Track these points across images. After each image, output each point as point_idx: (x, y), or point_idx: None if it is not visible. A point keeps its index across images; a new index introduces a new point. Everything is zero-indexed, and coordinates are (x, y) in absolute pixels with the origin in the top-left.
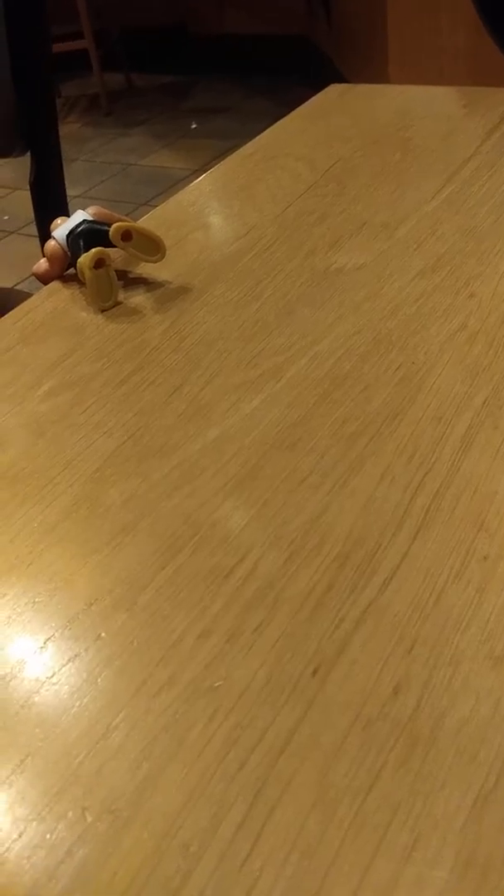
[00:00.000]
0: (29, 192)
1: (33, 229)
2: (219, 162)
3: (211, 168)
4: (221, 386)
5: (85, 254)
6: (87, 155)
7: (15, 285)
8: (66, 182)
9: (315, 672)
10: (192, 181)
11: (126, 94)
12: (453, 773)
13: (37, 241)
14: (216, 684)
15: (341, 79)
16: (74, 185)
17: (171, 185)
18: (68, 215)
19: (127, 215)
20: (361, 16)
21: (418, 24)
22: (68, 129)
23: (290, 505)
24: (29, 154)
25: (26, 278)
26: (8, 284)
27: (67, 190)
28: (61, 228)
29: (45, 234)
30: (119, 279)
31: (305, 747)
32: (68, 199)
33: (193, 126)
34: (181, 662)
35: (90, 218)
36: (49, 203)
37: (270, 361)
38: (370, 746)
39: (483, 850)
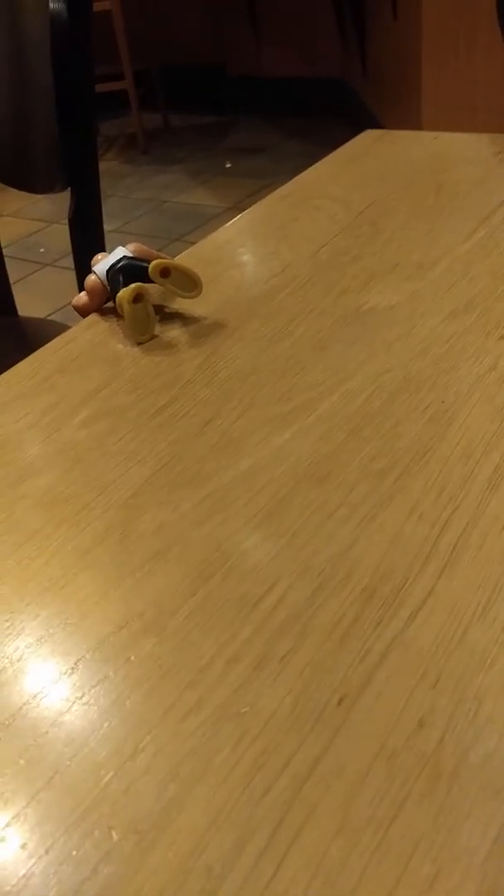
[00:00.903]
0: (64, 226)
1: (67, 262)
2: (252, 200)
3: (244, 206)
4: (253, 419)
5: (124, 288)
6: (124, 191)
7: (48, 315)
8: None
9: (341, 702)
10: (224, 218)
11: (163, 133)
12: (476, 806)
13: (71, 274)
14: (243, 710)
15: (375, 122)
16: (110, 220)
17: (205, 221)
18: (105, 250)
19: (160, 250)
20: (397, 61)
21: (453, 70)
22: (106, 166)
23: (318, 537)
24: (69, 190)
25: (59, 309)
26: (41, 314)
27: (104, 225)
28: (101, 263)
29: (82, 268)
30: (156, 314)
31: (330, 775)
32: (104, 233)
33: (228, 165)
34: (209, 687)
35: (130, 254)
36: (87, 238)
37: (302, 397)
38: (394, 777)
39: None
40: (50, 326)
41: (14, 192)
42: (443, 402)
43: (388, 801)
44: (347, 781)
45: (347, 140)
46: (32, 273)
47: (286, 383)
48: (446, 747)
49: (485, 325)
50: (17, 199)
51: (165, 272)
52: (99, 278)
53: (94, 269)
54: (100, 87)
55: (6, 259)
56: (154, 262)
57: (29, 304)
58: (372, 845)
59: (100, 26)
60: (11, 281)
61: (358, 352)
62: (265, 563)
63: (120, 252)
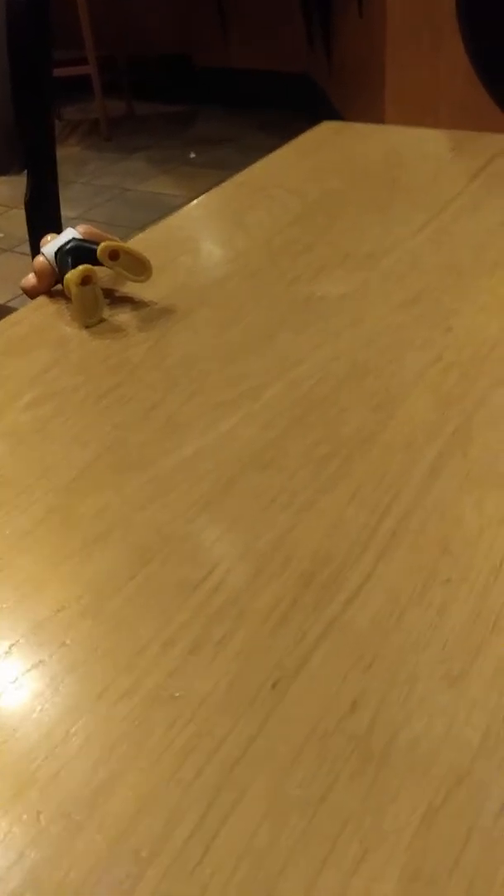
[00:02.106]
0: (23, 211)
1: (27, 248)
2: (212, 189)
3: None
4: (199, 405)
5: (72, 270)
6: (86, 178)
7: (7, 302)
8: (63, 203)
9: (275, 685)
10: (183, 207)
11: (127, 120)
12: (404, 788)
13: (30, 260)
14: (177, 694)
15: (338, 116)
16: (72, 207)
17: (168, 211)
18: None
19: (121, 239)
20: (361, 56)
21: (415, 67)
22: (68, 152)
23: (259, 522)
24: (26, 173)
25: (19, 295)
26: (1, 301)
27: (65, 211)
28: (50, 245)
29: (37, 252)
30: (105, 297)
31: (261, 758)
32: (65, 220)
33: (192, 155)
34: (144, 671)
35: (79, 236)
36: (44, 222)
37: (249, 383)
38: (324, 759)
39: (429, 865)
40: (6, 313)
41: None
42: (387, 390)
43: (318, 783)
44: (278, 764)
45: None
46: None
47: (234, 370)
48: (377, 729)
49: (432, 316)
50: None
51: (115, 255)
52: (47, 259)
53: (43, 250)
54: (64, 71)
55: None
56: (103, 244)
57: None
58: (300, 827)
59: (66, 11)
60: None
61: (306, 340)
62: (205, 547)
63: (69, 233)
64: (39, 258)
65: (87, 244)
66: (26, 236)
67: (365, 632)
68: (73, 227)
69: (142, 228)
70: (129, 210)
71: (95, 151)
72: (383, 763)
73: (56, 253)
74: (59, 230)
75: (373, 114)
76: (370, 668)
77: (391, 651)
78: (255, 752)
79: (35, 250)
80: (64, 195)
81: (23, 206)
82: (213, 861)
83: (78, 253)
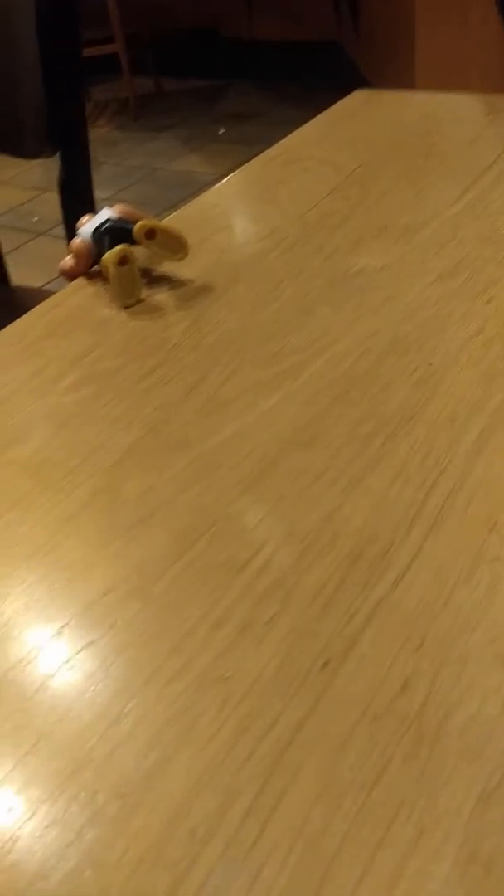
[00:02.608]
0: (57, 194)
1: (62, 231)
2: (245, 165)
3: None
4: (240, 383)
5: (109, 251)
6: (116, 158)
7: (43, 286)
8: (94, 185)
9: (325, 666)
10: (217, 184)
11: (155, 98)
12: (458, 769)
13: (64, 243)
14: (227, 675)
15: (368, 85)
16: (103, 188)
17: (198, 189)
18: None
19: (155, 218)
20: (389, 22)
21: (446, 31)
22: (98, 133)
23: (304, 501)
24: (58, 156)
25: (54, 279)
26: (36, 284)
27: (96, 192)
28: (87, 226)
29: (72, 235)
30: (142, 277)
31: (313, 739)
32: (97, 201)
33: (221, 131)
34: (193, 652)
35: (115, 216)
36: (77, 204)
37: (288, 360)
38: (377, 741)
39: (486, 847)
40: (44, 296)
41: (6, 159)
42: (430, 364)
43: (371, 765)
44: (330, 745)
45: None
46: (27, 242)
47: (273, 347)
48: (429, 710)
49: (472, 288)
50: (10, 167)
51: (151, 234)
52: (84, 241)
53: (80, 231)
54: (90, 51)
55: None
56: (139, 224)
57: (24, 273)
58: (354, 809)
59: None
60: (5, 251)
61: (345, 315)
62: (250, 527)
63: (105, 214)
64: (76, 240)
65: (123, 224)
66: (60, 219)
67: (414, 611)
68: (109, 207)
69: (174, 207)
70: (160, 189)
71: (124, 131)
72: (436, 744)
73: (93, 234)
74: (93, 212)
75: (403, 80)
76: (420, 648)
77: (441, 631)
78: (307, 734)
79: (70, 233)
80: (95, 177)
81: (56, 190)
82: (268, 842)
83: (114, 233)
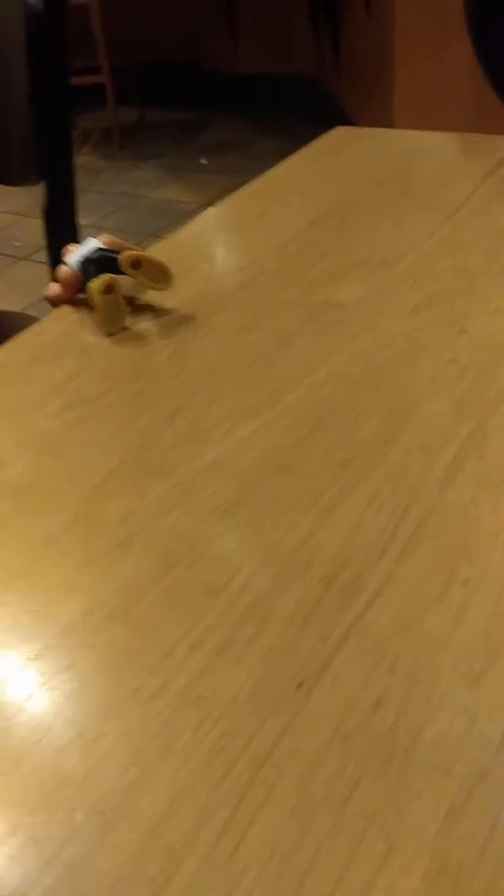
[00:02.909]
0: (40, 220)
1: (43, 256)
2: (227, 196)
3: (218, 202)
4: (220, 410)
5: (95, 279)
6: (100, 186)
7: (23, 309)
8: (77, 211)
9: (300, 686)
10: (200, 214)
11: (139, 128)
12: (428, 785)
13: (46, 268)
14: (205, 695)
15: (348, 118)
16: (86, 215)
17: (180, 217)
18: (79, 243)
19: (136, 245)
20: (369, 59)
21: (424, 70)
22: (82, 161)
23: (281, 526)
24: (44, 183)
25: (35, 303)
26: (17, 308)
27: (79, 219)
28: (73, 254)
29: (55, 261)
30: (127, 305)
31: (288, 757)
32: (79, 228)
33: (203, 161)
34: (172, 672)
35: (102, 246)
36: (60, 231)
37: (267, 389)
38: (349, 758)
39: (454, 860)
40: (25, 320)
41: None
42: (404, 394)
43: (343, 782)
44: (304, 763)
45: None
46: (7, 266)
47: (253, 375)
48: (400, 728)
49: (446, 319)
50: None
51: (136, 263)
52: (71, 269)
53: (66, 259)
54: (76, 81)
55: None
56: (125, 253)
57: (4, 297)
58: (326, 825)
59: (77, 20)
60: None
61: (323, 345)
62: (229, 551)
63: (92, 243)
64: (63, 267)
65: (109, 254)
66: (41, 245)
67: (386, 633)
68: (96, 237)
69: (156, 235)
70: (142, 217)
71: (108, 160)
72: (406, 761)
73: (79, 262)
74: (76, 239)
75: (382, 115)
76: (392, 668)
77: (412, 651)
78: (282, 752)
79: (53, 259)
80: (78, 203)
81: (37, 215)
82: (244, 857)
83: (101, 262)
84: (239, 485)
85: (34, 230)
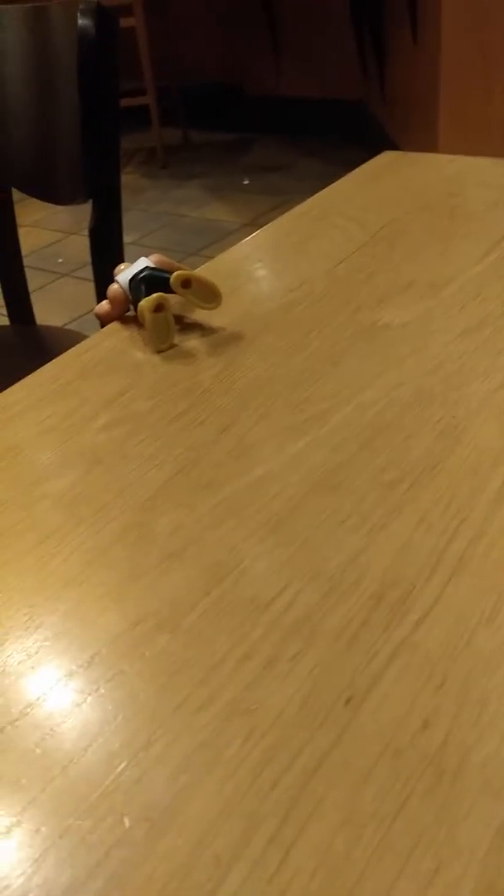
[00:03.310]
0: (82, 237)
1: (85, 272)
2: (268, 217)
3: (260, 222)
4: (268, 428)
5: (146, 298)
6: (143, 205)
7: (65, 324)
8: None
9: (348, 702)
10: (241, 234)
11: (183, 148)
12: (477, 804)
13: (88, 284)
14: (253, 707)
15: (391, 143)
16: (129, 233)
17: (222, 237)
18: (123, 261)
19: (179, 262)
20: (415, 84)
21: (471, 95)
22: (126, 180)
23: (329, 544)
24: (90, 202)
25: (77, 318)
26: (58, 323)
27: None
28: (124, 273)
29: (101, 278)
30: (176, 323)
31: (336, 771)
32: (123, 246)
33: (245, 182)
34: (220, 684)
35: (152, 265)
36: (106, 249)
37: (316, 407)
38: (398, 775)
39: (502, 880)
40: (67, 335)
41: (34, 202)
42: (453, 417)
43: (392, 798)
44: (353, 778)
45: (363, 161)
46: (51, 283)
47: (300, 394)
48: (449, 747)
49: (495, 343)
50: (37, 210)
51: (187, 283)
52: (121, 287)
53: (117, 278)
54: (122, 102)
55: (25, 268)
56: (176, 273)
57: (47, 313)
58: (375, 839)
59: (123, 42)
60: (30, 290)
61: (371, 366)
62: (276, 567)
63: (143, 262)
64: (114, 286)
65: (159, 273)
66: (84, 261)
67: (435, 652)
68: (137, 255)
69: (197, 254)
70: (184, 235)
71: (152, 179)
72: (456, 780)
73: (130, 281)
74: (121, 257)
75: (427, 140)
76: (441, 688)
77: (462, 672)
78: (330, 766)
79: (99, 276)
80: (122, 222)
81: (81, 233)
82: (291, 868)
83: (151, 281)
84: (287, 501)
85: (77, 247)
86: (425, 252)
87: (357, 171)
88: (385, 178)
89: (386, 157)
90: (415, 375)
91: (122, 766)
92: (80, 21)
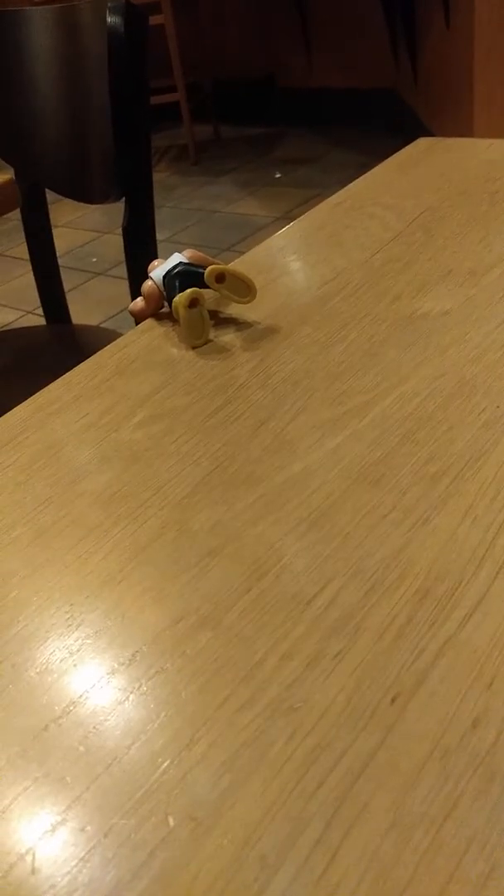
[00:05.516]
0: (116, 236)
1: (119, 271)
2: (301, 210)
3: (293, 216)
4: (306, 422)
5: (180, 293)
6: (175, 202)
7: (100, 323)
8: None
9: (394, 700)
10: (274, 228)
11: (213, 144)
12: None
13: (122, 283)
14: (297, 705)
15: (426, 131)
16: (162, 230)
17: (254, 231)
18: (157, 258)
19: (214, 258)
20: (448, 70)
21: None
22: (157, 178)
23: (371, 539)
24: (123, 200)
25: (111, 317)
26: (93, 322)
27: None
28: (158, 269)
29: (135, 276)
30: (210, 318)
31: (383, 772)
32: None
33: (277, 175)
34: (263, 682)
35: (186, 260)
36: (140, 247)
37: (355, 400)
38: (448, 776)
39: None
40: (103, 333)
41: (68, 203)
42: (497, 407)
43: (442, 799)
44: (400, 779)
45: (397, 150)
46: (86, 282)
47: (339, 387)
48: (500, 747)
49: None
50: (71, 211)
51: (221, 278)
52: (156, 283)
53: (151, 274)
54: (153, 100)
55: (60, 268)
56: (210, 268)
57: (82, 312)
58: (425, 842)
59: (152, 39)
60: (66, 289)
61: (411, 357)
62: (318, 563)
63: (176, 258)
64: (148, 282)
65: (193, 268)
66: (117, 260)
67: (484, 649)
68: (170, 252)
69: (230, 249)
70: (216, 231)
71: (183, 176)
72: None
73: (164, 277)
74: (154, 255)
75: (461, 126)
76: (490, 686)
77: None
78: (377, 766)
79: (133, 275)
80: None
81: (115, 232)
82: (339, 870)
83: (185, 277)
84: (327, 496)
85: (110, 246)
86: (465, 239)
87: (392, 158)
88: (421, 166)
89: (421, 144)
90: (456, 365)
91: (166, 764)
92: (110, 20)
